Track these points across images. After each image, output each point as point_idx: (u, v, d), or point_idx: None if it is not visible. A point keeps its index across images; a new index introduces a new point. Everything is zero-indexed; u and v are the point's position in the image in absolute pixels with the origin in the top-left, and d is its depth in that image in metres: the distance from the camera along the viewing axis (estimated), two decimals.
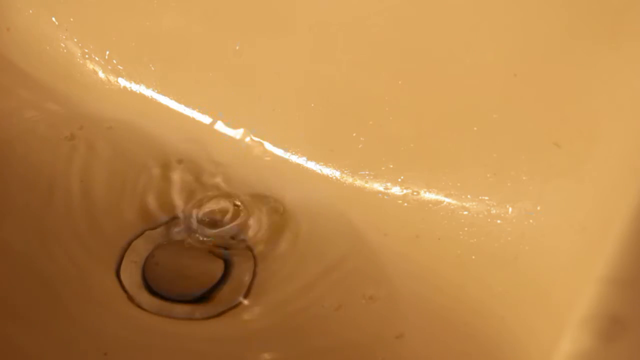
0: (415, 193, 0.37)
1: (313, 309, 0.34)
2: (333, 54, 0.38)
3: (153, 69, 0.41)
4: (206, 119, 0.41)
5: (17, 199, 0.37)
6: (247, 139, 0.40)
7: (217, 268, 0.36)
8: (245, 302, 0.34)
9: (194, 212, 0.37)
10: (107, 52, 0.42)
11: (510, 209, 0.35)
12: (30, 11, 0.42)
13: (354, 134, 0.38)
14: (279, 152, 0.39)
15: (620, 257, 0.23)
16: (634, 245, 0.24)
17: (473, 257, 0.35)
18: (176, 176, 0.39)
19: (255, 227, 0.37)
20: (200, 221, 0.37)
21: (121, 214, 0.37)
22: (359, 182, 0.38)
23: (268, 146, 0.40)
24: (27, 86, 0.42)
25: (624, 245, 0.24)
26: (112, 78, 0.42)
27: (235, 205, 0.38)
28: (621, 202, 0.27)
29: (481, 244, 0.35)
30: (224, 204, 0.38)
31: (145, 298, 0.34)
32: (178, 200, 0.38)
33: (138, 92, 0.41)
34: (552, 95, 0.34)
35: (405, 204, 0.37)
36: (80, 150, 0.40)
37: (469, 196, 0.36)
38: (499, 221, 0.35)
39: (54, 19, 0.42)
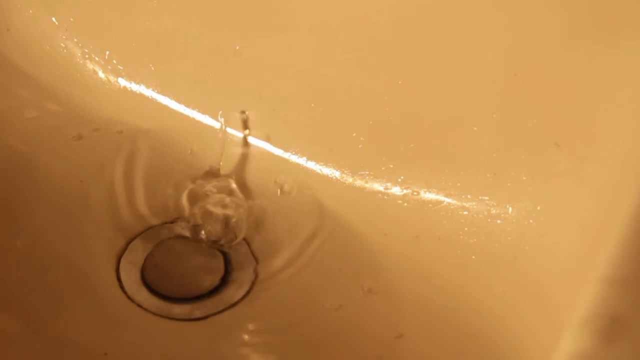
0: (415, 193, 0.37)
1: (313, 309, 0.34)
2: (333, 54, 0.38)
3: (153, 69, 0.41)
4: (206, 119, 0.41)
5: (16, 198, 0.37)
6: (247, 139, 0.40)
7: (217, 267, 0.36)
8: (245, 300, 0.34)
9: (193, 211, 0.37)
10: (107, 52, 0.42)
11: (510, 209, 0.35)
12: (30, 11, 0.42)
13: (354, 134, 0.38)
14: (279, 152, 0.39)
15: (620, 257, 0.23)
16: (634, 245, 0.24)
17: (473, 257, 0.35)
18: (175, 176, 0.39)
19: (256, 226, 0.37)
20: (199, 220, 0.37)
21: (120, 214, 0.37)
22: (359, 182, 0.38)
23: (268, 146, 0.40)
24: (27, 86, 0.42)
25: (624, 245, 0.24)
26: (112, 78, 0.42)
27: (234, 204, 0.38)
28: (621, 202, 0.27)
29: (481, 244, 0.35)
30: (223, 202, 0.38)
31: (144, 298, 0.34)
32: (177, 200, 0.38)
33: (138, 92, 0.42)
34: (552, 95, 0.34)
35: (405, 204, 0.37)
36: (82, 151, 0.40)
37: (469, 196, 0.36)
38: (499, 221, 0.35)
39: (54, 19, 0.42)
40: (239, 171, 0.39)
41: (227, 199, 0.38)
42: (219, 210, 0.37)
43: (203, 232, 0.36)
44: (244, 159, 0.40)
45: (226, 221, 0.37)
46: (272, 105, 0.39)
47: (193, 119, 0.41)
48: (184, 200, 0.38)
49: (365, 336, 0.33)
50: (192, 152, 0.40)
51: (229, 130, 0.40)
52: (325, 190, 0.38)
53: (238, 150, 0.40)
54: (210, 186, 0.39)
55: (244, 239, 0.37)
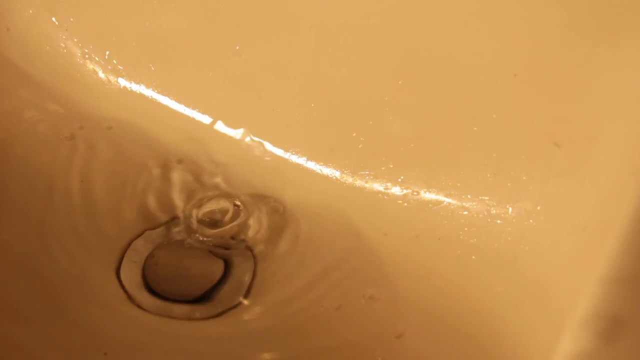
0: (415, 193, 0.37)
1: (313, 309, 0.34)
2: (333, 54, 0.38)
3: (153, 69, 0.41)
4: (206, 119, 0.41)
5: (17, 199, 0.37)
6: (247, 139, 0.40)
7: (217, 268, 0.36)
8: (245, 302, 0.34)
9: (194, 212, 0.37)
10: (107, 52, 0.42)
11: (510, 209, 0.35)
12: (30, 11, 0.42)
13: (354, 134, 0.38)
14: (279, 152, 0.39)
15: (620, 257, 0.23)
16: (634, 245, 0.24)
17: (473, 257, 0.35)
18: (176, 176, 0.39)
19: (255, 227, 0.37)
20: (200, 221, 0.37)
21: (121, 214, 0.37)
22: (359, 182, 0.38)
23: (268, 146, 0.40)
24: (27, 86, 0.42)
25: (624, 245, 0.24)
26: (112, 78, 0.42)
27: (235, 205, 0.38)
28: (621, 202, 0.27)
29: (481, 244, 0.35)
30: (223, 204, 0.38)
31: (145, 298, 0.34)
32: (178, 200, 0.38)
33: (138, 92, 0.42)
34: (552, 95, 0.34)
35: (405, 204, 0.37)
36: (81, 151, 0.40)
37: (469, 196, 0.36)
38: (499, 221, 0.35)
39: (54, 19, 0.42)
40: (239, 171, 0.39)
41: (226, 201, 0.38)
42: (219, 211, 0.37)
43: (205, 233, 0.36)
44: (243, 159, 0.40)
45: (226, 222, 0.37)
46: (272, 105, 0.39)
47: (193, 119, 0.41)
48: (185, 200, 0.38)
49: (365, 336, 0.33)
50: (192, 151, 0.40)
51: (229, 130, 0.40)
52: (325, 190, 0.38)
53: (237, 151, 0.40)
54: (209, 186, 0.39)
55: (244, 241, 0.37)
